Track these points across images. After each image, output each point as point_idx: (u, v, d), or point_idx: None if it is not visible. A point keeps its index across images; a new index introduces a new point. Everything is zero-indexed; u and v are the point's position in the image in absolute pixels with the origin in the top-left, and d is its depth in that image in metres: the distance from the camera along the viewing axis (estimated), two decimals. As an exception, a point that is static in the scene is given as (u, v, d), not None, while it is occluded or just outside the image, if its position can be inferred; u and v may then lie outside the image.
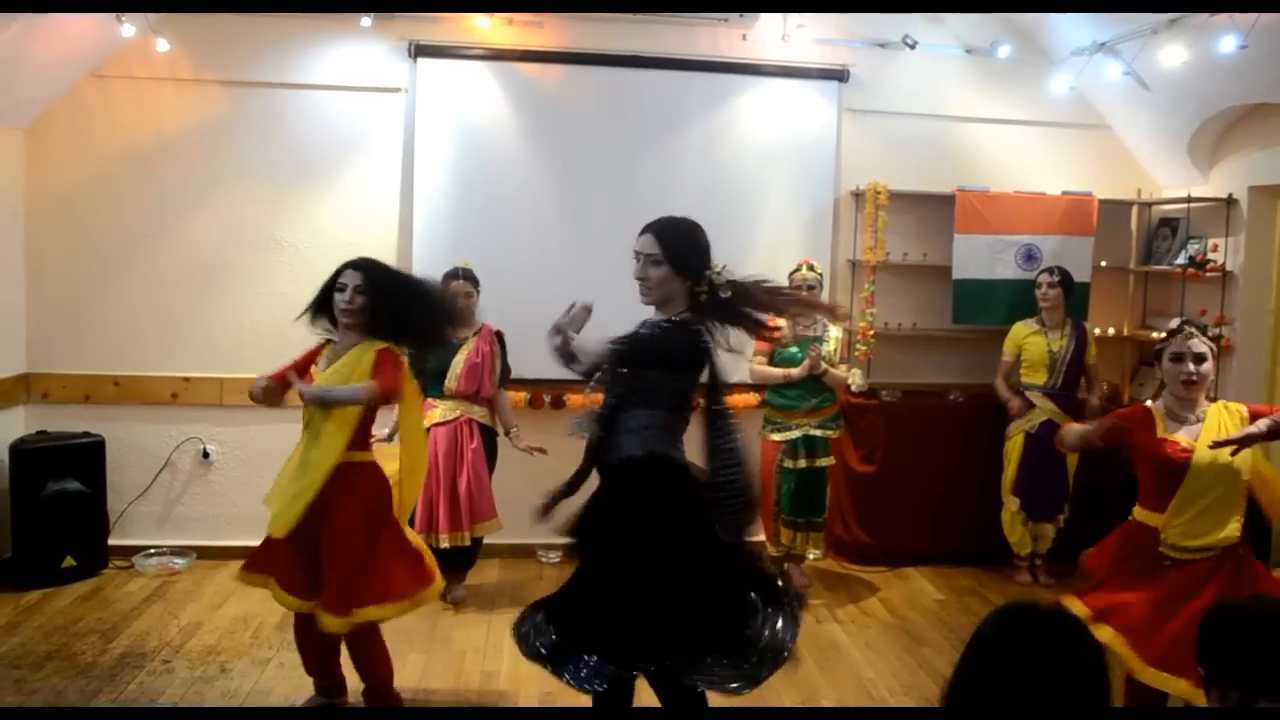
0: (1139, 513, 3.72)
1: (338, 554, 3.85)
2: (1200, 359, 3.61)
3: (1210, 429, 3.58)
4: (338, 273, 3.97)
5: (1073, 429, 4.02)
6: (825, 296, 6.34)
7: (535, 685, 4.51)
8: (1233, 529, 3.55)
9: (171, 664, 4.61)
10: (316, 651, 4.11)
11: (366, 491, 3.96)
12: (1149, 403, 3.79)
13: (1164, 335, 3.76)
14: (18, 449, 5.56)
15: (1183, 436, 3.59)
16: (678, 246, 3.30)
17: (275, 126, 6.06)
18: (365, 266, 3.97)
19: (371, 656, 4.08)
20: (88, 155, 5.93)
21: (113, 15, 5.38)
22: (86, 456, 5.74)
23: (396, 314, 3.97)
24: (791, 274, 5.78)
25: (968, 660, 1.87)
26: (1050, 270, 6.05)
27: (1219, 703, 2.14)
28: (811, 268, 5.76)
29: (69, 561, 5.60)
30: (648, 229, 3.36)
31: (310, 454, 3.89)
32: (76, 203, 5.93)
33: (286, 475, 3.97)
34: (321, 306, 4.02)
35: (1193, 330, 3.66)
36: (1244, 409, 3.62)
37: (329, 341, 4.06)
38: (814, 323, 5.78)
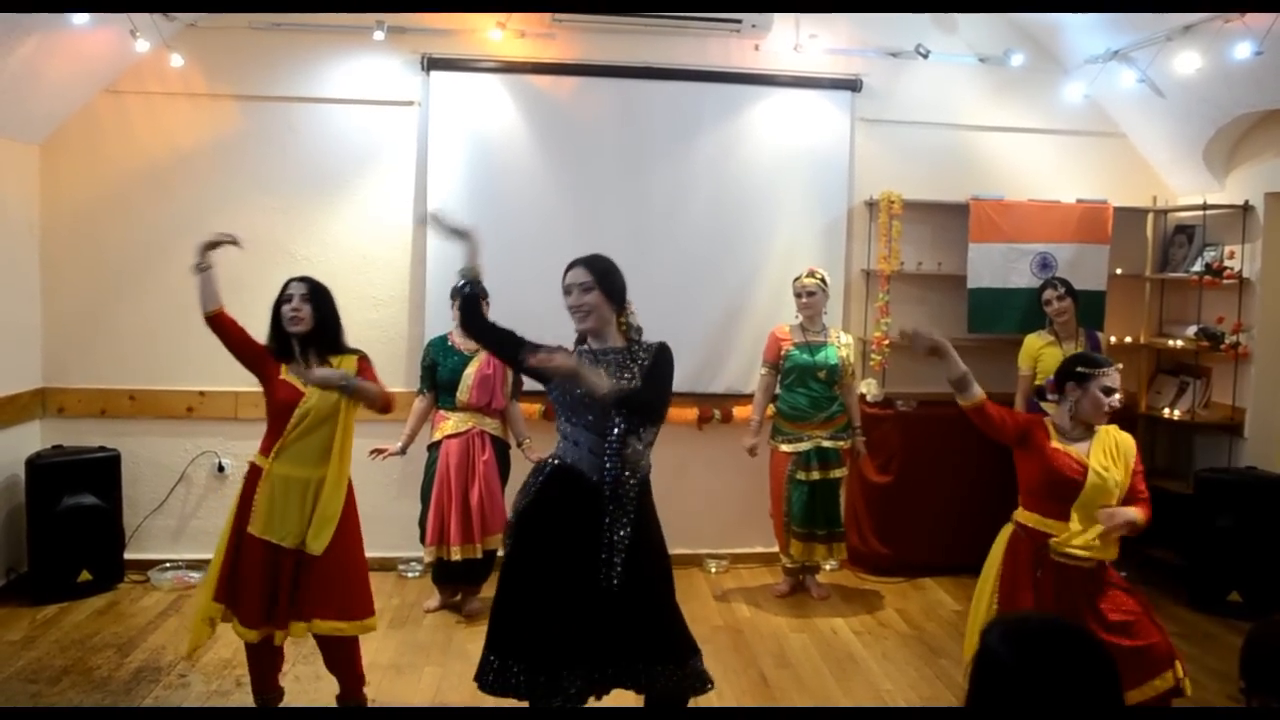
0: (1023, 514, 3.92)
1: (333, 564, 3.94)
2: (1115, 391, 3.81)
3: (1098, 449, 3.78)
4: (284, 287, 4.06)
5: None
6: (839, 306, 6.36)
7: (551, 698, 4.49)
8: (1112, 549, 3.77)
9: (187, 678, 4.61)
10: (271, 668, 4.15)
11: (351, 504, 4.09)
12: (1045, 417, 3.99)
13: (1089, 365, 3.85)
14: (34, 463, 5.57)
15: (1076, 450, 3.79)
16: (606, 274, 3.49)
17: (289, 140, 6.08)
18: (305, 278, 4.09)
19: (352, 659, 4.15)
20: (102, 170, 5.96)
21: (127, 32, 5.40)
22: (102, 471, 5.75)
23: (336, 322, 4.09)
24: (794, 280, 5.79)
25: (980, 681, 1.81)
26: (1053, 284, 5.93)
27: None
28: (811, 274, 5.77)
29: (85, 576, 5.60)
30: (575, 262, 3.51)
31: (314, 472, 3.95)
32: (91, 218, 5.96)
33: (280, 499, 3.93)
34: (276, 327, 4.06)
35: (1115, 363, 3.87)
36: (1133, 446, 3.84)
37: (279, 357, 4.07)
38: (821, 328, 5.78)
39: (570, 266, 3.50)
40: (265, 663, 4.10)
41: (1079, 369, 3.82)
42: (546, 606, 3.33)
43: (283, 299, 4.04)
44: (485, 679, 3.40)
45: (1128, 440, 3.86)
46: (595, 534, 3.32)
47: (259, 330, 3.93)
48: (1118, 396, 3.78)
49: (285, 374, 4.02)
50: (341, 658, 4.11)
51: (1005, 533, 3.96)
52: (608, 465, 3.32)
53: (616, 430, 3.31)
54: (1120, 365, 3.98)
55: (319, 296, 4.05)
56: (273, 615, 3.94)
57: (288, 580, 3.93)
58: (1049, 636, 1.78)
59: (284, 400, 3.97)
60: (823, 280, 5.77)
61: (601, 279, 3.45)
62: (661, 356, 3.46)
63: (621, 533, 3.31)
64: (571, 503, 3.37)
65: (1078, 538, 3.71)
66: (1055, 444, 3.79)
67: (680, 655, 3.45)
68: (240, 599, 3.93)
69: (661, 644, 3.42)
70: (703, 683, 3.49)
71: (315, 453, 3.97)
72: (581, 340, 3.54)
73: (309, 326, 4.00)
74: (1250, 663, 2.17)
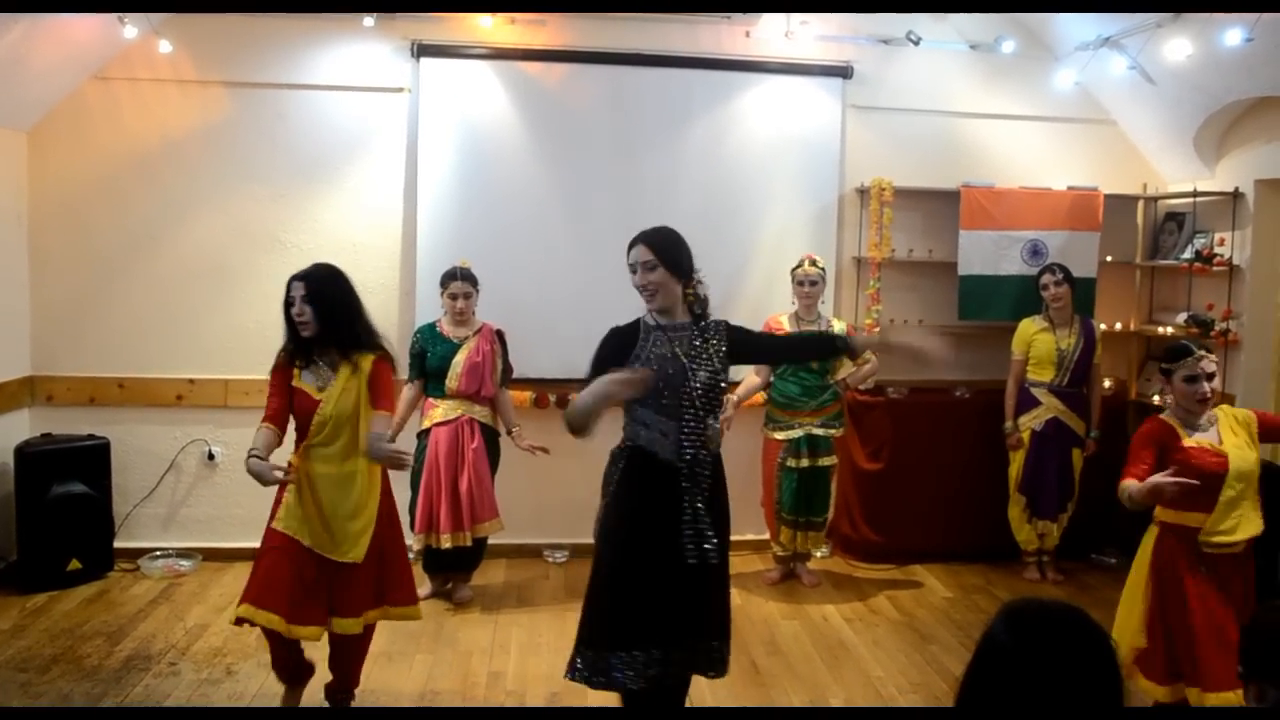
0: (1163, 513, 3.83)
1: (370, 557, 3.95)
2: (1210, 376, 3.76)
3: (1226, 431, 3.77)
4: (287, 287, 3.90)
5: (1137, 488, 3.65)
6: (830, 293, 6.35)
7: (542, 685, 4.50)
8: (1259, 523, 3.77)
9: (178, 666, 4.61)
10: (292, 659, 4.08)
11: (384, 495, 4.10)
12: (1162, 416, 3.92)
13: (1169, 359, 3.85)
14: (23, 452, 5.56)
15: (1208, 441, 3.75)
16: (669, 248, 3.45)
17: (279, 127, 6.05)
18: (306, 275, 3.90)
19: (360, 656, 4.14)
20: (91, 157, 5.92)
21: (115, 17, 5.37)
22: (92, 459, 5.74)
23: (349, 317, 3.93)
24: (794, 269, 5.79)
25: (979, 660, 1.84)
26: (1052, 269, 6.00)
27: (1255, 700, 2.12)
28: (814, 263, 5.77)
29: (74, 564, 5.59)
30: (637, 240, 3.46)
31: (345, 471, 3.91)
32: (80, 205, 5.93)
33: (308, 495, 3.90)
34: (291, 329, 3.94)
35: (1200, 351, 3.80)
36: (1250, 414, 3.86)
37: (290, 357, 3.96)
38: (817, 317, 5.78)
39: (632, 244, 3.45)
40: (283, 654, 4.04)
41: (1162, 365, 3.83)
42: (642, 588, 3.33)
43: (287, 301, 3.88)
44: (578, 671, 3.38)
45: (1244, 412, 3.89)
46: (676, 513, 3.33)
47: (251, 320, 3.96)
48: (1207, 385, 3.73)
49: (298, 380, 3.92)
50: (353, 653, 4.09)
51: (1150, 535, 3.92)
52: (685, 445, 3.34)
53: (693, 411, 3.33)
54: (1209, 352, 3.84)
55: (320, 295, 3.85)
56: (302, 613, 3.86)
57: (312, 578, 3.88)
58: (1052, 623, 1.78)
59: (301, 409, 3.91)
60: (823, 270, 5.79)
61: (664, 254, 3.40)
62: (740, 329, 3.54)
63: (700, 509, 3.35)
64: (650, 484, 3.37)
65: (1225, 533, 3.72)
66: (1188, 442, 3.75)
67: (726, 631, 3.57)
68: (267, 588, 3.86)
69: (721, 620, 3.53)
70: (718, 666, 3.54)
71: (340, 452, 3.90)
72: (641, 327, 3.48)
73: (316, 329, 3.86)
74: (1249, 648, 2.17)
